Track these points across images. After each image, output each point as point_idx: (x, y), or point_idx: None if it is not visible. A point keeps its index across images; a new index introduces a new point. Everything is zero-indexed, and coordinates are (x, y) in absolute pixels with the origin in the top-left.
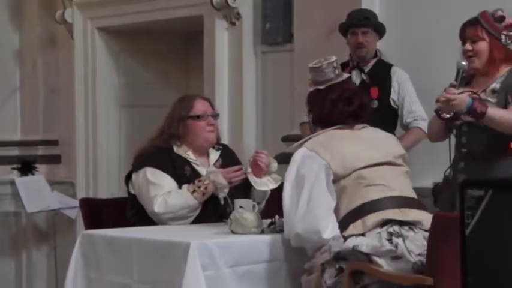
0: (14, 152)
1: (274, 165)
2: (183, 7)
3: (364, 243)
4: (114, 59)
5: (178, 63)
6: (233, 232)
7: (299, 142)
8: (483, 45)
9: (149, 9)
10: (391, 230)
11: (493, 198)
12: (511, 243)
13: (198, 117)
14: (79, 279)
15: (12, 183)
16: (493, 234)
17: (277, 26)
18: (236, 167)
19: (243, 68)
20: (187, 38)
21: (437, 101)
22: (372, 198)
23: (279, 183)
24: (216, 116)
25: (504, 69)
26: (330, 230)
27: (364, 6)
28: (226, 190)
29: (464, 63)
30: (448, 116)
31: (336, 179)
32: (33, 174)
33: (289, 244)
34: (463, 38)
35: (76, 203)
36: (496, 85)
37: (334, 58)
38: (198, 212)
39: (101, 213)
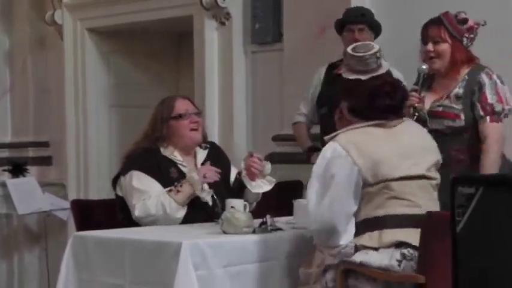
0: (5, 154)
1: (268, 167)
2: (172, 7)
3: (372, 261)
4: (104, 59)
5: (169, 64)
6: (224, 232)
7: (333, 134)
8: (445, 47)
9: (139, 10)
10: (405, 251)
11: (483, 196)
12: (502, 241)
13: (180, 116)
14: (71, 281)
15: (3, 185)
16: (484, 231)
17: (266, 26)
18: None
19: (233, 68)
20: (177, 38)
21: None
22: (394, 213)
23: (273, 185)
24: (198, 113)
25: (464, 71)
26: (346, 236)
27: (353, 5)
28: (199, 186)
29: (424, 67)
30: (413, 119)
31: (363, 184)
32: (24, 176)
33: (280, 244)
34: (425, 37)
35: (67, 204)
36: (459, 90)
37: (377, 47)
38: (182, 213)
39: (93, 214)
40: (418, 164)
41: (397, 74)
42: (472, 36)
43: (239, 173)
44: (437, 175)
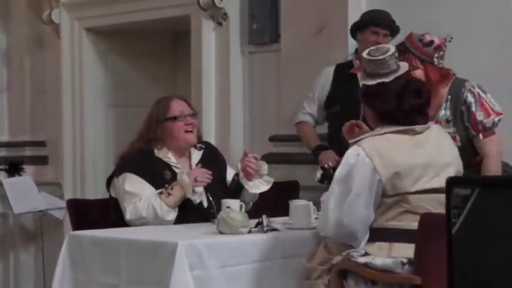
0: (1, 153)
1: (265, 167)
2: (169, 7)
3: (378, 263)
4: (102, 59)
5: (166, 63)
6: (220, 232)
7: (358, 138)
8: (419, 73)
9: (136, 10)
10: (412, 261)
11: (479, 197)
12: (498, 242)
13: (175, 118)
14: (66, 280)
15: None
16: (480, 232)
17: (264, 26)
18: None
19: (230, 68)
20: (175, 38)
21: None
22: (407, 227)
23: (270, 185)
24: (193, 115)
25: (444, 89)
26: (362, 243)
27: (350, 6)
28: (190, 189)
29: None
30: None
31: (382, 195)
32: (20, 175)
33: (277, 244)
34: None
35: (63, 203)
36: (446, 113)
37: (393, 48)
38: (173, 216)
39: (89, 213)
40: (439, 176)
41: None
42: (441, 53)
43: (236, 174)
44: None
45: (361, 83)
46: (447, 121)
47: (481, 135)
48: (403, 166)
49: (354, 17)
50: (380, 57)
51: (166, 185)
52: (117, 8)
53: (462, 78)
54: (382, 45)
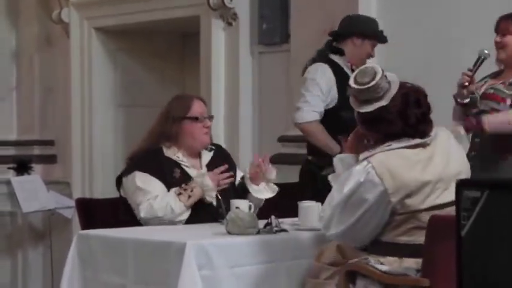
0: (10, 151)
1: (273, 173)
2: (179, 7)
3: (393, 271)
4: (111, 58)
5: (175, 63)
6: (229, 232)
7: (368, 154)
8: (509, 39)
9: (146, 10)
10: None
11: (489, 199)
12: (507, 244)
13: (196, 119)
14: (75, 279)
15: (8, 183)
16: (489, 235)
17: (273, 27)
18: (222, 167)
19: (239, 68)
20: (184, 38)
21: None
22: (417, 242)
23: (274, 193)
24: (211, 118)
25: None
26: (366, 244)
27: (361, 7)
28: (213, 193)
29: (486, 51)
30: (464, 101)
31: (391, 213)
32: (29, 174)
33: (285, 245)
34: (496, 30)
35: (72, 202)
36: None
37: (380, 68)
38: (186, 215)
39: (97, 213)
40: (449, 188)
41: (324, 70)
42: None
43: (242, 177)
44: None
45: (358, 110)
46: (510, 84)
47: None
48: (414, 185)
49: None
50: (372, 84)
51: (183, 185)
52: (127, 8)
53: None
54: (366, 66)
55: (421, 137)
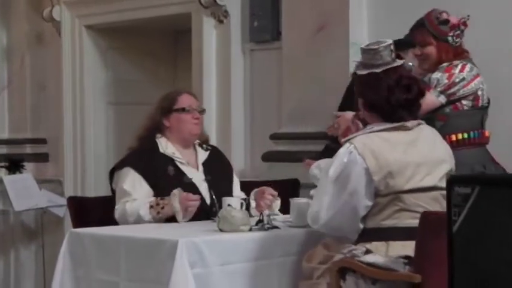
0: (2, 150)
1: (278, 203)
2: (170, 5)
3: (381, 263)
4: (102, 56)
5: (167, 61)
6: (221, 230)
7: (350, 136)
8: (431, 49)
9: (137, 7)
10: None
11: (479, 195)
12: (498, 240)
13: (183, 109)
14: (67, 278)
15: (0, 181)
16: (480, 231)
17: (265, 24)
18: (194, 197)
19: (231, 66)
20: (176, 35)
21: None
22: (402, 225)
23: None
24: (201, 111)
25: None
26: (356, 235)
27: (352, 4)
28: (180, 216)
29: (410, 64)
30: None
31: (375, 194)
32: (21, 172)
33: (277, 242)
34: (413, 42)
35: (64, 201)
36: None
37: (390, 41)
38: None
39: (89, 211)
40: (432, 174)
41: None
42: (457, 33)
43: (244, 199)
44: None
45: (355, 71)
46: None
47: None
48: (396, 165)
49: (354, 13)
50: (374, 47)
51: (159, 199)
52: (118, 6)
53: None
54: (381, 39)
55: (398, 121)
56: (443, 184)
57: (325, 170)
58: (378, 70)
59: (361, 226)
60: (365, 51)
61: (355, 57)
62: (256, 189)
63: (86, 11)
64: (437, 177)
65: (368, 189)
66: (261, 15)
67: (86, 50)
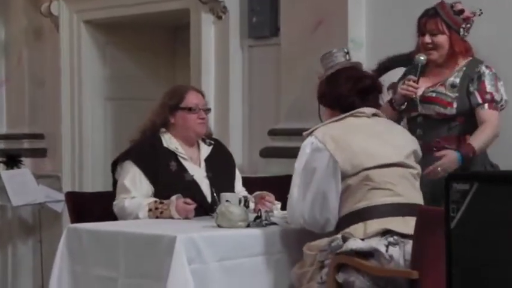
0: (0, 145)
1: (278, 206)
2: (169, 0)
3: (363, 245)
4: (100, 51)
5: (165, 56)
6: (219, 226)
7: (311, 129)
8: (443, 39)
9: (135, 3)
10: (391, 239)
11: (478, 192)
12: (496, 237)
13: (189, 109)
14: (65, 273)
15: None
16: (478, 227)
17: (263, 20)
18: (191, 202)
19: (229, 62)
20: (174, 31)
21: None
22: (376, 203)
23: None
24: (207, 110)
25: (462, 62)
26: (332, 224)
27: (350, 0)
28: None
29: (422, 57)
30: (403, 107)
31: (343, 177)
32: (18, 167)
33: (275, 238)
34: (422, 29)
35: (62, 196)
36: (454, 79)
37: (345, 48)
38: None
39: (87, 206)
40: (396, 151)
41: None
42: (468, 26)
43: (245, 200)
44: (417, 165)
45: (318, 77)
46: (452, 86)
47: (486, 105)
48: (358, 145)
49: (353, 10)
50: (326, 52)
51: (158, 202)
52: (117, 1)
53: (482, 60)
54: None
55: (351, 109)
56: (411, 163)
57: (295, 168)
58: (333, 70)
59: (337, 216)
60: (322, 58)
61: (353, 53)
62: (257, 192)
63: (84, 6)
64: (402, 154)
65: (334, 172)
66: (260, 11)
67: (84, 45)
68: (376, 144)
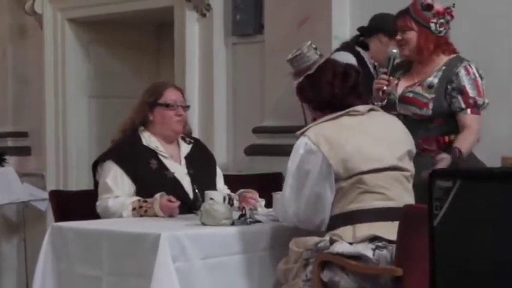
0: None
1: (262, 203)
2: None
3: (348, 250)
4: (84, 49)
5: (149, 54)
6: (203, 224)
7: (304, 129)
8: (411, 35)
9: (119, 0)
10: (379, 244)
11: (461, 189)
12: (479, 234)
13: (167, 105)
14: (49, 272)
15: None
16: (461, 224)
17: (247, 18)
18: (174, 200)
19: (213, 59)
20: (158, 28)
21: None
22: (367, 207)
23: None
24: (186, 107)
25: (442, 60)
26: (327, 221)
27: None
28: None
29: (394, 50)
30: (381, 104)
31: (336, 179)
32: (2, 166)
33: (259, 236)
34: (395, 28)
35: (46, 195)
36: (433, 80)
37: (309, 41)
38: None
39: (71, 205)
40: (390, 153)
41: (347, 58)
42: (441, 21)
43: (230, 198)
44: (411, 166)
45: (294, 82)
46: (429, 86)
47: (469, 110)
48: (351, 148)
49: (337, 8)
50: (296, 54)
51: (142, 201)
52: None
53: (464, 58)
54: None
55: (345, 108)
56: (405, 165)
57: (288, 167)
58: (312, 71)
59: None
60: (292, 60)
61: None
62: (242, 190)
63: (68, 4)
64: (396, 156)
65: (328, 175)
66: (244, 8)
67: (68, 43)
68: (370, 144)
